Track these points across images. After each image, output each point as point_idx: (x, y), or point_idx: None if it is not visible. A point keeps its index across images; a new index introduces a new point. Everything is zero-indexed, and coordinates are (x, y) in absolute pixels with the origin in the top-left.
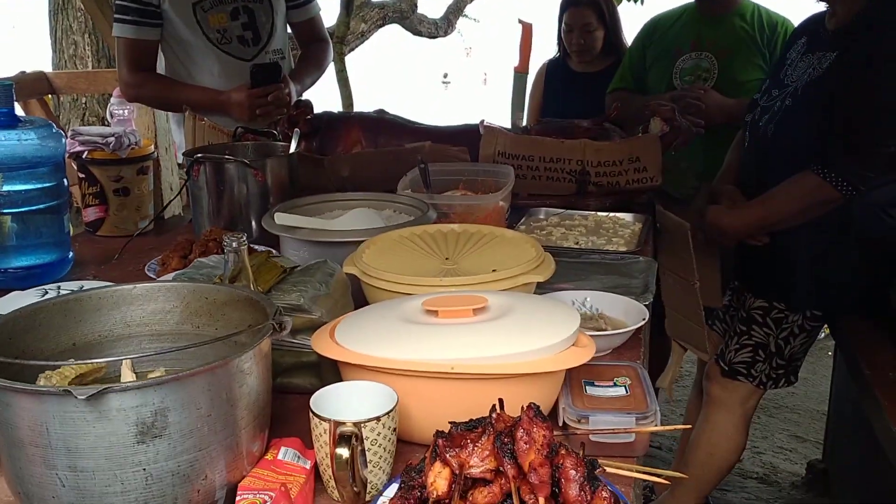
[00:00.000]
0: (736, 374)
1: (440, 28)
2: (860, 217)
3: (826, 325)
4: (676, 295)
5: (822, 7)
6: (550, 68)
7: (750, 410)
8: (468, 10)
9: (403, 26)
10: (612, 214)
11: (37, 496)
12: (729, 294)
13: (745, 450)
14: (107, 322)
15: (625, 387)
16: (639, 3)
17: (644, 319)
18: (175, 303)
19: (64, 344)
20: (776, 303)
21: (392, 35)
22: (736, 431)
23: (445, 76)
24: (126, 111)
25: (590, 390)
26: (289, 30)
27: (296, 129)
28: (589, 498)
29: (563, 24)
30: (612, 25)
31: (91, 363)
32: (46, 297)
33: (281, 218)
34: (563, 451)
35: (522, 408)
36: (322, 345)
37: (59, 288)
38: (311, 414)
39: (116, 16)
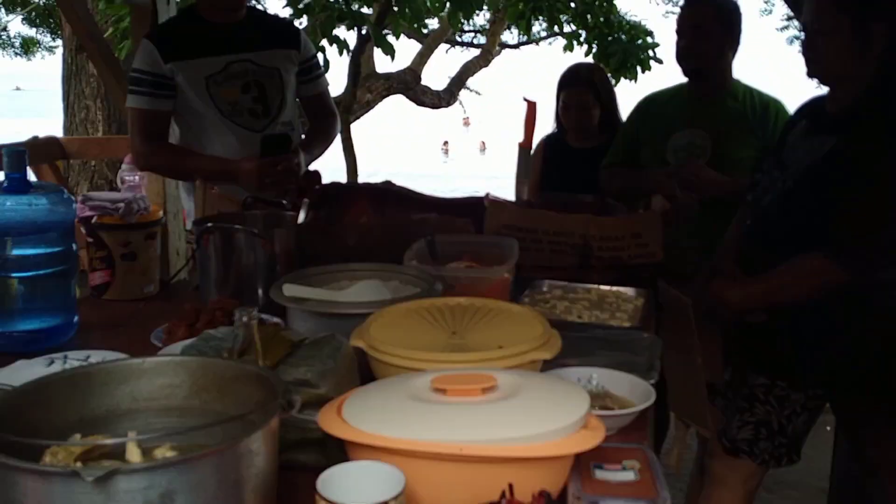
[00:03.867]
0: (738, 451)
1: (443, 99)
2: (866, 297)
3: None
4: (678, 371)
5: (811, 88)
6: (548, 144)
7: (753, 489)
8: (470, 82)
9: (407, 97)
10: (614, 289)
11: None
12: (730, 369)
13: None
14: (115, 396)
15: (634, 471)
16: (632, 81)
17: (651, 400)
18: (184, 377)
19: (71, 418)
20: (778, 380)
21: (396, 104)
22: None
23: (445, 144)
24: (137, 177)
25: (598, 474)
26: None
27: (305, 200)
28: None
29: (560, 103)
30: (608, 103)
31: (96, 443)
32: (52, 366)
33: (289, 289)
34: None
35: (533, 495)
36: (330, 423)
37: (65, 357)
38: (317, 496)
39: (131, 87)
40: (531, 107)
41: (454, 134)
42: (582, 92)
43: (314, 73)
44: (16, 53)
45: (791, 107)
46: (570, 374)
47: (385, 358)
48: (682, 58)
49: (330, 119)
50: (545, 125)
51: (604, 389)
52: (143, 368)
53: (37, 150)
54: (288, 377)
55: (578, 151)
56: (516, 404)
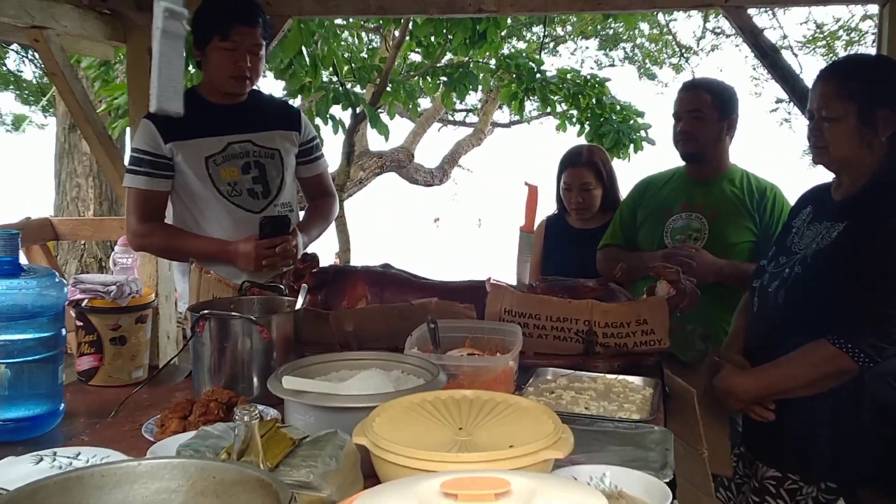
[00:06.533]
0: None
1: (435, 177)
2: (871, 387)
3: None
4: (685, 463)
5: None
6: (549, 224)
7: None
8: (462, 160)
9: (400, 175)
10: (621, 378)
11: None
12: (734, 460)
13: None
14: (108, 502)
15: None
16: (626, 160)
17: (668, 502)
18: (181, 481)
19: None
20: (790, 473)
21: (388, 180)
22: None
23: (436, 220)
24: (130, 259)
25: None
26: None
27: (303, 285)
28: None
29: (561, 183)
30: (609, 184)
31: None
32: (41, 464)
33: (288, 381)
34: None
35: None
36: None
37: (54, 454)
38: None
39: (129, 167)
40: (532, 191)
41: (445, 209)
42: (584, 172)
43: (314, 154)
44: (6, 130)
45: (784, 187)
46: (583, 473)
47: (391, 458)
48: (679, 142)
49: (329, 200)
50: (546, 206)
51: (617, 489)
52: (139, 472)
53: (29, 231)
54: (289, 479)
55: (580, 232)
56: None
